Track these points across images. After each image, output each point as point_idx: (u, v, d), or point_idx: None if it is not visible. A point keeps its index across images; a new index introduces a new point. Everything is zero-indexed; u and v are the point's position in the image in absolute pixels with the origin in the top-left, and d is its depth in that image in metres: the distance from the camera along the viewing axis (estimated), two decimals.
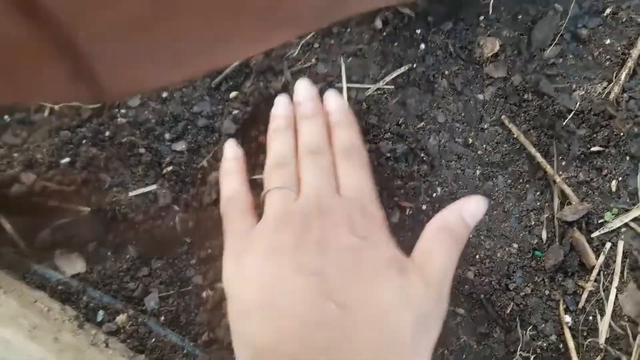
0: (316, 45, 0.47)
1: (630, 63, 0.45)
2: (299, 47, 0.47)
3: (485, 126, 0.45)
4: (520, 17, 0.47)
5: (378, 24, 0.47)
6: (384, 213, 0.36)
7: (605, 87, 0.45)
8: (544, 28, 0.46)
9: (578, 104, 0.44)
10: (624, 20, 0.46)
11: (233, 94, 0.47)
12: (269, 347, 0.30)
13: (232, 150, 0.42)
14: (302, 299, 0.31)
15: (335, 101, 0.42)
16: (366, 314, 0.31)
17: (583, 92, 0.45)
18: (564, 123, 0.44)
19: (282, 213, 0.35)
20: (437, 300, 0.32)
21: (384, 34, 0.47)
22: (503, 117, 0.45)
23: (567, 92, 0.45)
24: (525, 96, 0.45)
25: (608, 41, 0.46)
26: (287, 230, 0.34)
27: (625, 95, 0.44)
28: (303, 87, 0.43)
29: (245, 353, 0.32)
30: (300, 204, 0.35)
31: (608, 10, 0.46)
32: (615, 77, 0.45)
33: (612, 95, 0.44)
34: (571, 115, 0.44)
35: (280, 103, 0.43)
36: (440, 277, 0.33)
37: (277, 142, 0.40)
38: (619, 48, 0.45)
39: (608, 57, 0.46)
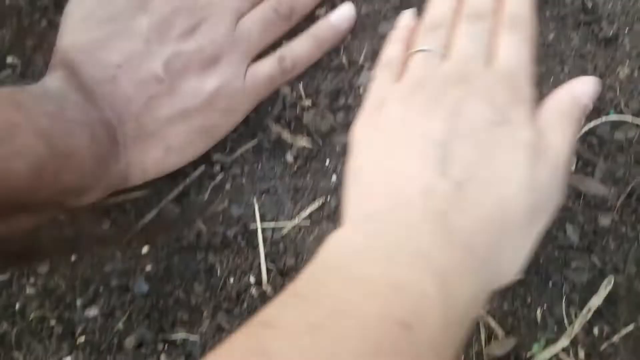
0: (227, 186, 0.46)
1: None
2: (209, 190, 0.46)
3: None
4: None
5: (289, 157, 0.46)
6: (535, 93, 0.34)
7: None
8: None
9: None
10: None
11: (145, 249, 0.45)
12: (382, 207, 0.30)
13: (406, 18, 0.41)
14: (420, 167, 0.31)
15: None
16: (484, 195, 0.30)
17: None
18: None
19: (422, 75, 0.35)
20: (556, 190, 0.32)
21: (295, 167, 0.46)
22: None
23: None
24: None
25: None
26: (423, 92, 0.33)
27: None
28: None
29: (358, 211, 0.32)
30: (443, 68, 0.34)
31: None
32: None
33: None
34: None
35: None
36: (563, 166, 0.32)
37: (437, 2, 0.39)
38: None
39: None
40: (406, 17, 0.41)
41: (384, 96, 0.36)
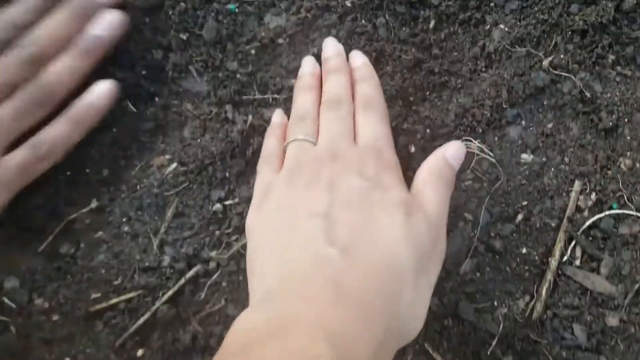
0: (224, 284, 0.45)
1: (549, 275, 0.43)
2: (205, 289, 0.45)
3: (410, 357, 0.43)
4: None
5: None
6: (397, 159, 0.39)
7: (528, 303, 0.43)
8: (456, 241, 0.44)
9: (501, 326, 0.42)
10: (537, 225, 0.44)
11: (140, 352, 0.44)
12: (276, 285, 0.32)
13: (278, 116, 0.45)
14: (308, 240, 0.33)
15: (361, 58, 0.45)
16: (369, 252, 0.32)
17: (506, 310, 0.43)
18: (490, 351, 0.42)
19: (298, 161, 0.38)
20: (436, 242, 0.35)
21: None
22: (426, 344, 0.43)
23: (489, 312, 0.43)
24: (445, 322, 0.43)
25: (524, 250, 0.44)
26: (301, 175, 0.37)
27: (549, 312, 0.42)
28: (331, 45, 0.46)
29: (258, 294, 0.34)
30: (314, 151, 0.38)
31: (520, 217, 0.44)
32: (537, 292, 0.43)
33: (535, 314, 0.42)
34: (495, 341, 0.42)
35: (306, 63, 0.46)
36: (438, 219, 0.36)
37: (300, 98, 0.43)
38: (537, 257, 0.44)
39: (527, 267, 0.44)
40: (277, 115, 0.45)
41: (267, 185, 0.39)
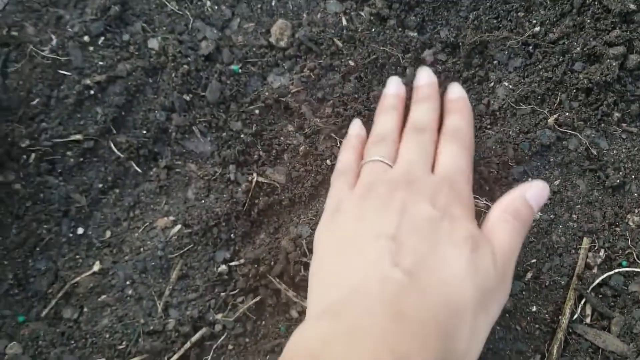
0: (230, 347, 0.45)
1: (560, 334, 0.42)
2: (212, 352, 0.45)
3: None
4: None
5: (294, 313, 0.45)
6: (472, 194, 0.38)
7: None
8: None
9: None
10: (547, 283, 0.44)
11: None
12: (341, 299, 0.32)
13: (356, 128, 0.45)
14: (375, 259, 0.33)
15: (459, 91, 0.44)
16: (431, 282, 0.32)
17: None
18: None
19: (372, 181, 0.38)
20: (501, 281, 0.34)
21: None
22: None
23: None
24: None
25: (534, 308, 0.44)
26: (374, 195, 0.37)
27: None
28: (425, 74, 0.45)
29: (317, 307, 0.34)
30: (390, 174, 0.38)
31: (529, 274, 0.44)
32: (548, 351, 0.42)
33: None
34: None
35: (393, 82, 0.45)
36: (506, 258, 0.35)
37: (382, 118, 0.44)
38: (547, 316, 0.43)
39: (537, 325, 0.44)
40: (355, 126, 0.46)
41: (340, 201, 0.39)
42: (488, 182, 0.45)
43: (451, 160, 0.39)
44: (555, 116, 0.45)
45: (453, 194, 0.37)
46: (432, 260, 0.33)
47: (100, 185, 0.47)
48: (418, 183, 0.37)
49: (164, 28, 0.49)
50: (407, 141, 0.41)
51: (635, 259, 0.43)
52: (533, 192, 0.38)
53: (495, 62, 0.47)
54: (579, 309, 0.43)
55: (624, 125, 0.45)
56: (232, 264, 0.46)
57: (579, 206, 0.45)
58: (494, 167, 0.45)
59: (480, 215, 0.42)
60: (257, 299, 0.45)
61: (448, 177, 0.38)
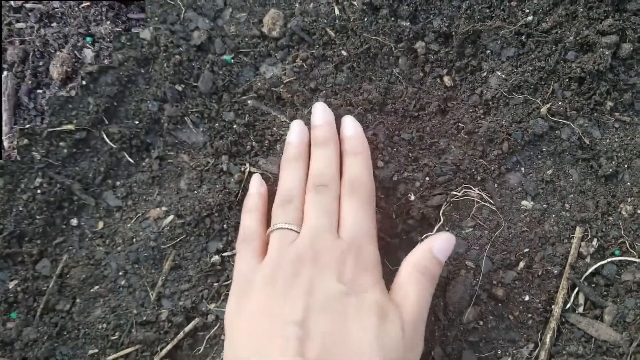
0: (223, 337, 0.45)
1: (553, 323, 0.43)
2: (205, 342, 0.45)
3: None
4: None
5: None
6: (378, 253, 0.39)
7: (532, 351, 0.43)
8: (458, 289, 0.44)
9: None
10: (539, 273, 0.44)
11: None
12: None
13: (256, 185, 0.45)
14: (281, 350, 0.33)
15: (352, 128, 0.44)
16: None
17: (510, 359, 0.43)
18: None
19: (279, 258, 0.38)
20: (410, 349, 0.35)
21: None
22: None
23: None
24: None
25: (527, 297, 0.44)
26: (281, 276, 0.37)
27: None
28: (320, 111, 0.44)
29: None
30: (296, 246, 0.38)
31: (522, 264, 0.44)
32: (541, 340, 0.43)
33: None
34: None
35: (294, 130, 0.44)
36: (416, 318, 0.36)
37: (287, 173, 0.43)
38: (540, 305, 0.44)
39: (530, 315, 0.44)
40: (255, 182, 0.45)
41: (247, 277, 0.39)
42: (480, 171, 0.45)
43: (355, 221, 0.39)
44: (548, 105, 0.45)
45: (359, 261, 0.38)
46: (340, 340, 0.34)
47: (93, 176, 0.47)
48: (324, 254, 0.38)
49: (156, 18, 0.49)
50: (311, 203, 0.40)
51: (628, 248, 0.43)
52: (439, 245, 0.39)
53: (488, 51, 0.47)
54: (572, 298, 0.44)
55: (616, 114, 0.46)
56: (225, 254, 0.46)
57: (572, 195, 0.45)
58: (486, 157, 0.45)
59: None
60: None
61: (354, 243, 0.38)
